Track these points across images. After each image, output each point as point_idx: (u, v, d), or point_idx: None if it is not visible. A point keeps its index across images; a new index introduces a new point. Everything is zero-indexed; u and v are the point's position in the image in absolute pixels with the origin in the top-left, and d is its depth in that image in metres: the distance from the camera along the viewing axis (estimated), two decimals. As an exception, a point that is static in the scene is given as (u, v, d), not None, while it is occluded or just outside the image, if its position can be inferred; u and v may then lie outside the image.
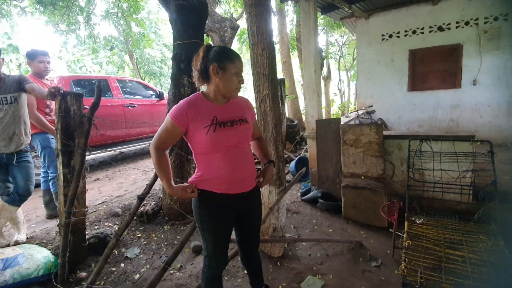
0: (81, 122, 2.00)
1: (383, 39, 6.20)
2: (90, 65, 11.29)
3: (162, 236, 2.74)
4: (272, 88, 2.24)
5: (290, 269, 2.24)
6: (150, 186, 2.08)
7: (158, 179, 2.16)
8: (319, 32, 9.93)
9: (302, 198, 3.56)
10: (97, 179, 4.60)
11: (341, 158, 3.37)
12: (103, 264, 1.95)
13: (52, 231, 2.68)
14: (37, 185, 3.78)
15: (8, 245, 2.34)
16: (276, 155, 2.31)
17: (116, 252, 2.45)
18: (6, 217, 2.40)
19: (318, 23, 3.98)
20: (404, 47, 5.86)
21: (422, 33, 5.50)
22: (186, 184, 1.39)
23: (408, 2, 5.45)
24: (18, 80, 2.30)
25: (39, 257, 2.01)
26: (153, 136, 1.41)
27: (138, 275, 2.20)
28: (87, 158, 4.53)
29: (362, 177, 3.22)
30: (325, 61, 9.15)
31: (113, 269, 2.27)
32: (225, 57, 1.29)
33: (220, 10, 5.00)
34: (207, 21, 3.63)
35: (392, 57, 6.14)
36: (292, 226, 2.94)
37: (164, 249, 2.53)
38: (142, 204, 3.10)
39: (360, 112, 6.07)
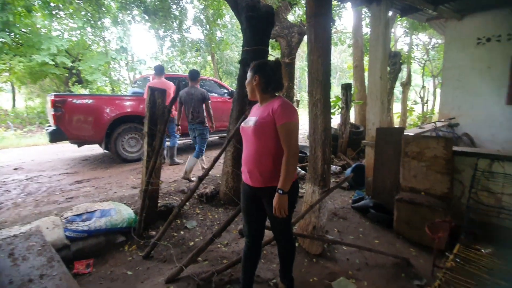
0: (163, 112, 2.50)
1: (478, 43, 5.39)
2: (179, 64, 13.00)
3: (216, 216, 3.14)
4: (325, 93, 2.35)
5: (325, 267, 2.32)
6: (208, 170, 2.46)
7: (215, 165, 2.54)
8: (400, 34, 9.15)
9: (353, 205, 3.50)
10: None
11: (401, 170, 3.19)
12: (167, 227, 2.42)
13: (136, 196, 3.37)
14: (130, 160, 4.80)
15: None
16: (322, 157, 2.41)
17: (179, 222, 2.94)
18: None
19: (389, 26, 3.79)
20: (505, 53, 4.98)
21: (531, 37, 4.60)
22: None
23: (515, 0, 4.62)
24: None
25: (124, 213, 2.61)
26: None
27: (192, 243, 2.62)
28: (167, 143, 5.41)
29: (423, 193, 2.99)
30: (404, 66, 8.37)
31: (175, 234, 2.75)
32: None
33: (292, 16, 5.18)
34: (276, 28, 3.89)
35: (489, 63, 5.29)
36: (336, 229, 2.96)
37: (216, 227, 2.90)
38: (204, 186, 3.58)
39: (439, 124, 5.46)
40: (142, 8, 6.83)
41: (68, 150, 6.69)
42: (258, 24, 2.82)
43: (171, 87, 4.76)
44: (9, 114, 12.05)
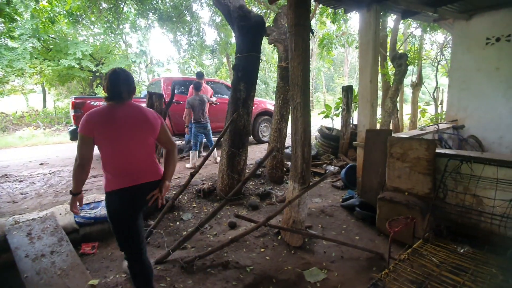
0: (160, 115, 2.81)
1: (487, 43, 5.29)
2: (194, 66, 13.49)
3: (211, 210, 3.41)
4: (304, 97, 2.55)
5: (301, 258, 2.52)
6: (199, 167, 2.74)
7: (205, 163, 2.81)
8: (410, 34, 9.01)
9: (342, 203, 3.65)
10: (182, 157, 5.80)
11: (386, 171, 3.31)
12: (161, 217, 2.73)
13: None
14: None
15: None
16: (302, 156, 2.61)
17: (176, 214, 3.25)
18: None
19: (379, 32, 3.86)
20: (515, 53, 4.88)
21: (541, 37, 4.49)
22: None
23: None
24: None
25: (127, 204, 2.95)
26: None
27: (185, 233, 2.90)
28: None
29: (406, 193, 3.11)
30: (412, 67, 8.20)
31: (171, 224, 3.06)
32: None
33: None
34: (274, 33, 4.11)
35: (497, 64, 5.19)
36: (320, 225, 3.14)
37: (209, 220, 3.19)
38: (203, 182, 3.88)
39: (443, 126, 5.44)
40: (156, 15, 7.28)
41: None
42: (249, 33, 3.07)
43: (208, 91, 6.09)
44: (40, 114, 13.09)
